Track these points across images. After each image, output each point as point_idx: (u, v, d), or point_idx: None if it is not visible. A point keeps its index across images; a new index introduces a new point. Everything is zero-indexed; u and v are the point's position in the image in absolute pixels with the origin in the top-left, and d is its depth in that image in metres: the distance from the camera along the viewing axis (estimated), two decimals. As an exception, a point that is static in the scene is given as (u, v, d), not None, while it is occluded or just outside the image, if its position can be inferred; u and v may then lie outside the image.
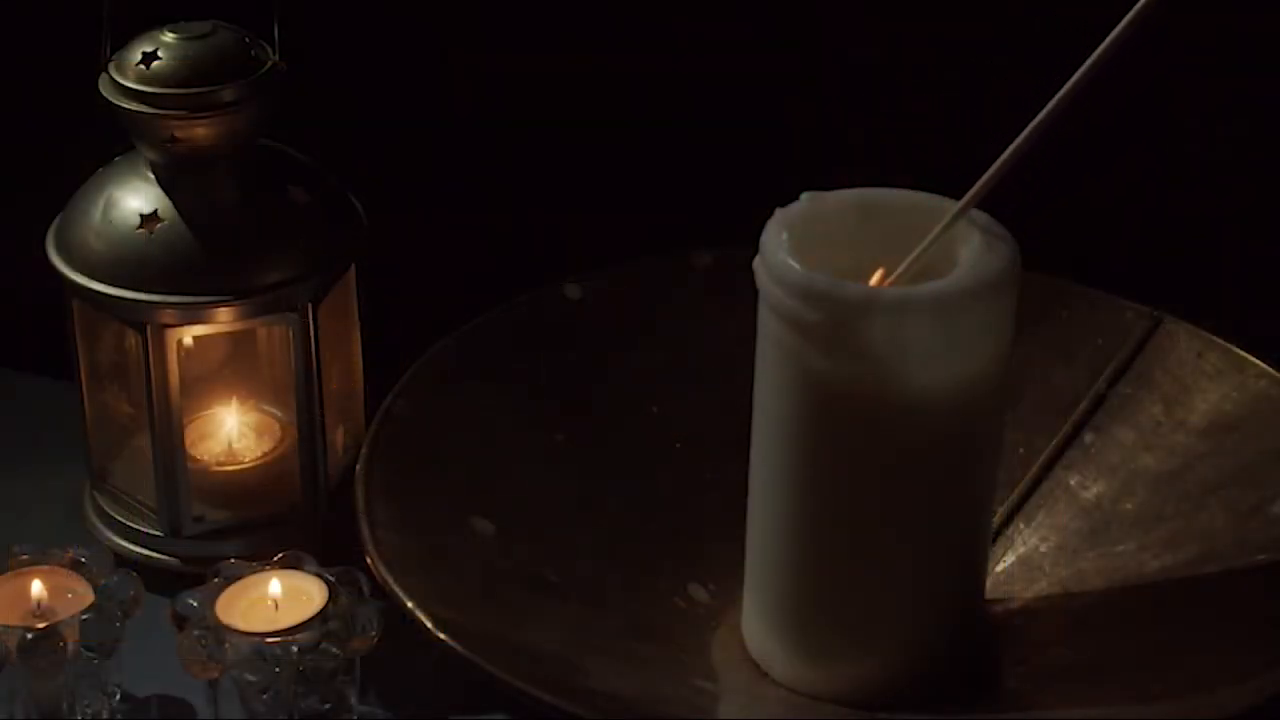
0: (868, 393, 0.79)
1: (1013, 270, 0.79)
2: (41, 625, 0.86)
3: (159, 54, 0.92)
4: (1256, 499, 0.87)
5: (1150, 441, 0.91)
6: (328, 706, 0.86)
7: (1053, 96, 1.01)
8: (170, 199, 0.93)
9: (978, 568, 0.85)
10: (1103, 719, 0.81)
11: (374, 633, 0.86)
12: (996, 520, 0.90)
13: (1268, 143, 1.00)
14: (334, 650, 0.85)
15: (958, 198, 0.82)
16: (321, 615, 0.85)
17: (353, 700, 0.87)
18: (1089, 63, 0.77)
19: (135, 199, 0.94)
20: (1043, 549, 0.91)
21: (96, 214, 0.94)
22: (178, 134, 0.92)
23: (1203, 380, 0.92)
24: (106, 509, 0.99)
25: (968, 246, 0.80)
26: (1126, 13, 0.76)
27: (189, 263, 0.92)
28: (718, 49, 1.04)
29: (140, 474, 0.98)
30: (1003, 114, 1.03)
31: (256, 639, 0.84)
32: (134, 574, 0.89)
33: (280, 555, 0.88)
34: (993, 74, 1.02)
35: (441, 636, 0.79)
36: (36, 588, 0.88)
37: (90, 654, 0.86)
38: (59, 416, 1.04)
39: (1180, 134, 1.00)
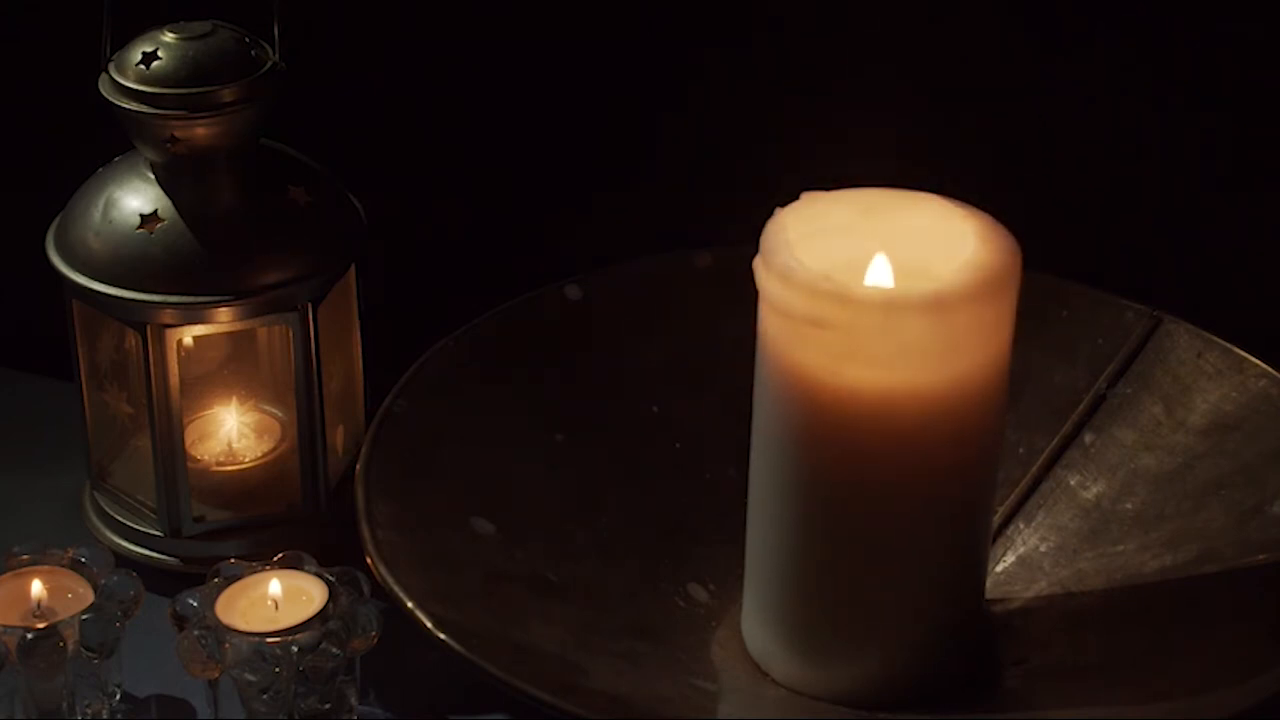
0: (868, 392, 0.79)
1: (1013, 270, 0.79)
2: (41, 625, 0.86)
3: (159, 54, 0.92)
4: (1256, 499, 0.87)
5: (1150, 441, 0.91)
6: (328, 706, 0.86)
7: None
8: (170, 199, 0.93)
9: (978, 568, 0.85)
10: (1103, 719, 0.81)
11: (374, 633, 0.86)
12: (996, 520, 0.90)
13: (1268, 143, 1.00)
14: (334, 650, 0.85)
15: (956, 198, 0.82)
16: (321, 615, 0.85)
17: (353, 700, 0.87)
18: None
19: (135, 199, 0.94)
20: (1043, 549, 0.91)
21: (96, 214, 0.94)
22: (178, 134, 0.92)
23: (1203, 380, 0.92)
24: (106, 509, 0.99)
25: (967, 246, 0.80)
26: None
27: (189, 263, 0.92)
28: (718, 48, 1.05)
29: (140, 474, 0.98)
30: (1002, 114, 1.03)
31: (256, 639, 0.84)
32: (134, 574, 0.89)
33: (280, 555, 0.88)
34: (992, 74, 1.02)
35: (441, 636, 0.79)
36: (36, 588, 0.88)
37: (90, 654, 0.86)
38: (59, 416, 1.04)
39: (1180, 134, 1.00)
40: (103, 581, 0.88)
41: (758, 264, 0.80)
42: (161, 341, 0.93)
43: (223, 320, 0.93)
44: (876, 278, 0.81)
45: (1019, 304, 0.81)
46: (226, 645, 0.84)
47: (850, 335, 0.78)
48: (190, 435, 0.98)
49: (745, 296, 0.82)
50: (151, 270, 0.92)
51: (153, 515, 0.97)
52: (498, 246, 1.10)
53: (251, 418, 1.02)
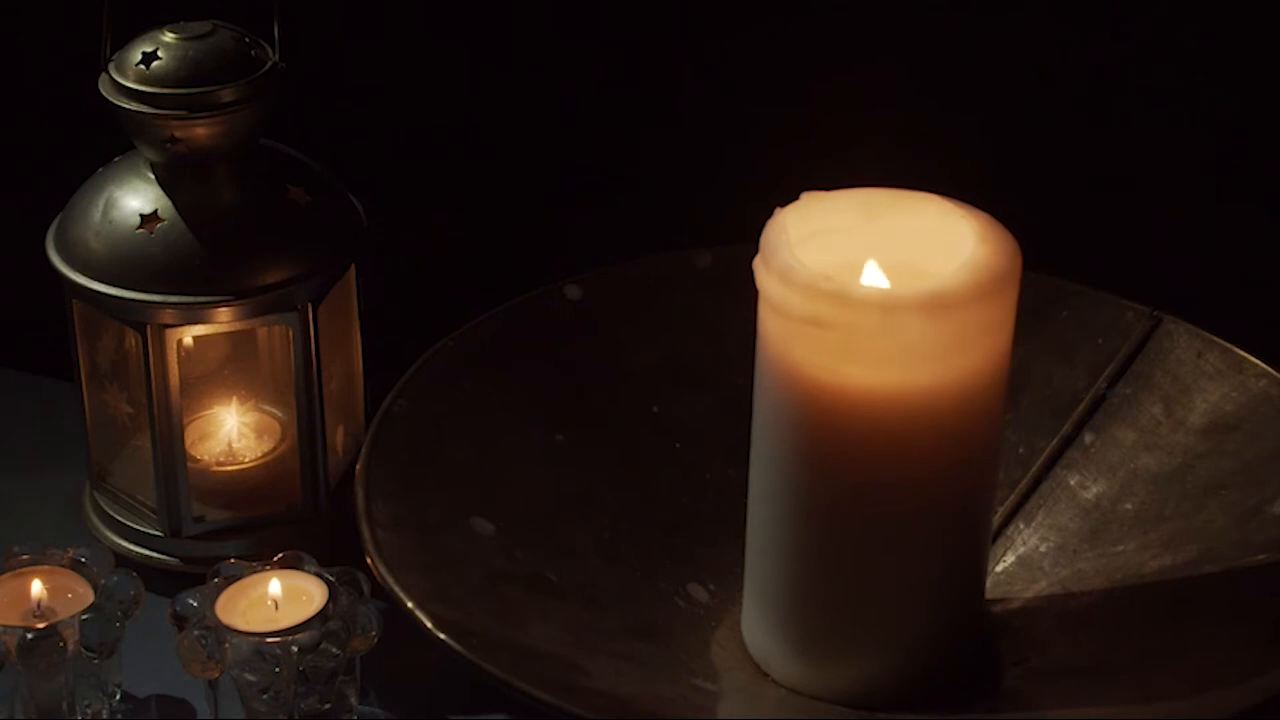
0: (868, 392, 0.79)
1: (1013, 270, 0.79)
2: (41, 625, 0.86)
3: (159, 54, 0.92)
4: (1256, 499, 0.87)
5: (1150, 441, 0.91)
6: (328, 706, 0.86)
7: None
8: (170, 199, 0.93)
9: (978, 568, 0.85)
10: (1103, 719, 0.81)
11: (374, 633, 0.86)
12: (996, 520, 0.90)
13: (1268, 142, 1.00)
14: (334, 650, 0.85)
15: (956, 198, 0.82)
16: (321, 615, 0.85)
17: (353, 700, 0.87)
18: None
19: (135, 199, 0.94)
20: (1043, 549, 0.91)
21: (96, 214, 0.94)
22: (178, 134, 0.92)
23: (1203, 380, 0.92)
24: (106, 509, 0.99)
25: (967, 246, 0.80)
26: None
27: (189, 263, 0.92)
28: (719, 47, 1.05)
29: (140, 474, 0.98)
30: (1002, 113, 1.03)
31: (256, 639, 0.84)
32: (134, 574, 0.89)
33: (280, 555, 0.88)
34: (991, 74, 1.02)
35: (441, 636, 0.79)
36: (36, 588, 0.88)
37: (90, 654, 0.86)
38: (59, 416, 1.04)
39: (1181, 133, 1.00)
40: (103, 581, 0.88)
41: (758, 264, 0.80)
42: (161, 341, 0.93)
43: (223, 320, 0.93)
44: (870, 283, 0.81)
45: (1019, 304, 0.81)
46: (226, 645, 0.84)
47: (850, 335, 0.78)
48: (190, 435, 0.98)
49: (745, 296, 0.82)
50: (151, 270, 0.92)
51: (153, 515, 0.97)
52: (498, 246, 1.10)
53: (251, 418, 1.02)
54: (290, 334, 0.95)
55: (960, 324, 0.78)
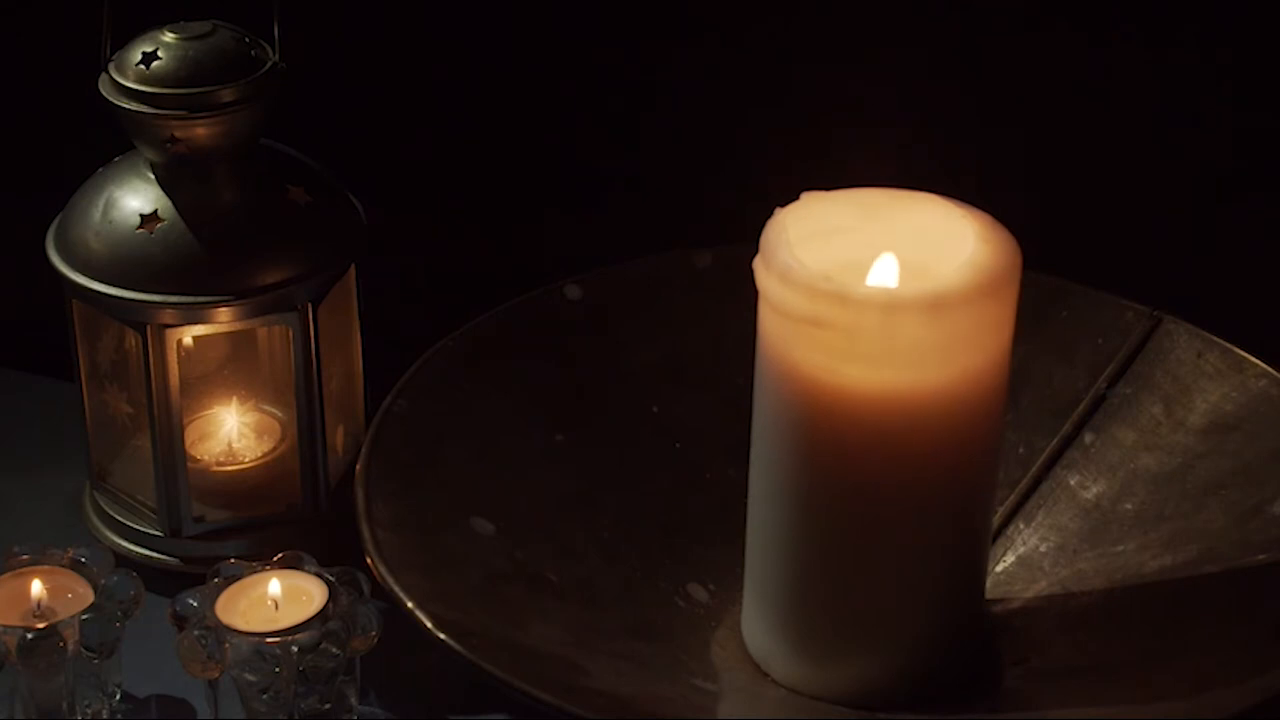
0: (868, 392, 0.79)
1: (1013, 270, 0.79)
2: (41, 625, 0.86)
3: (159, 54, 0.92)
4: (1256, 499, 0.87)
5: (1150, 441, 0.91)
6: (328, 706, 0.86)
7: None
8: (170, 199, 0.93)
9: (978, 568, 0.85)
10: (1102, 719, 0.81)
11: (374, 633, 0.86)
12: (996, 520, 0.90)
13: (1268, 142, 1.00)
14: (334, 650, 0.85)
15: (956, 198, 0.82)
16: (321, 615, 0.85)
17: (353, 700, 0.87)
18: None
19: (135, 199, 0.94)
20: (1043, 549, 0.91)
21: (96, 214, 0.94)
22: (178, 134, 0.92)
23: (1203, 380, 0.92)
24: (106, 509, 0.99)
25: (967, 246, 0.80)
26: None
27: (189, 263, 0.92)
28: (719, 48, 1.05)
29: (140, 474, 0.98)
30: (1003, 114, 1.03)
31: (256, 639, 0.84)
32: (134, 574, 0.89)
33: (280, 555, 0.88)
34: (993, 74, 1.02)
35: (441, 636, 0.79)
36: (36, 588, 0.88)
37: (90, 654, 0.86)
38: (59, 416, 1.04)
39: (1181, 134, 1.00)
40: (103, 581, 0.88)
41: (758, 264, 0.80)
42: (161, 341, 0.93)
43: (223, 320, 0.93)
44: (882, 275, 0.81)
45: (1019, 304, 0.81)
46: (226, 645, 0.84)
47: (850, 335, 0.78)
48: (190, 435, 0.98)
49: (745, 296, 0.82)
50: (151, 270, 0.92)
51: (153, 515, 0.97)
52: (498, 246, 1.10)
53: (251, 418, 1.02)
54: (290, 334, 0.95)
55: (961, 324, 0.78)
